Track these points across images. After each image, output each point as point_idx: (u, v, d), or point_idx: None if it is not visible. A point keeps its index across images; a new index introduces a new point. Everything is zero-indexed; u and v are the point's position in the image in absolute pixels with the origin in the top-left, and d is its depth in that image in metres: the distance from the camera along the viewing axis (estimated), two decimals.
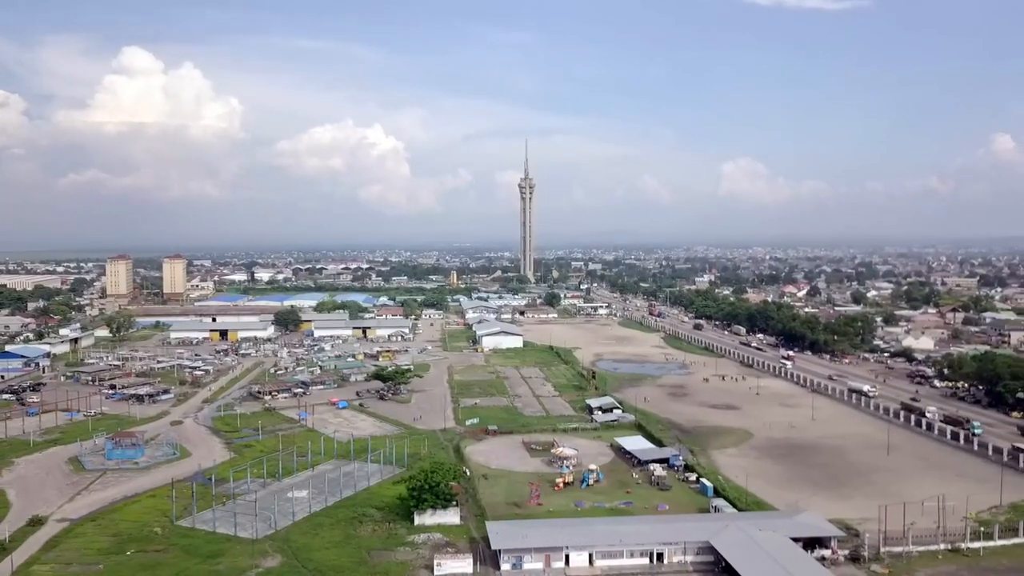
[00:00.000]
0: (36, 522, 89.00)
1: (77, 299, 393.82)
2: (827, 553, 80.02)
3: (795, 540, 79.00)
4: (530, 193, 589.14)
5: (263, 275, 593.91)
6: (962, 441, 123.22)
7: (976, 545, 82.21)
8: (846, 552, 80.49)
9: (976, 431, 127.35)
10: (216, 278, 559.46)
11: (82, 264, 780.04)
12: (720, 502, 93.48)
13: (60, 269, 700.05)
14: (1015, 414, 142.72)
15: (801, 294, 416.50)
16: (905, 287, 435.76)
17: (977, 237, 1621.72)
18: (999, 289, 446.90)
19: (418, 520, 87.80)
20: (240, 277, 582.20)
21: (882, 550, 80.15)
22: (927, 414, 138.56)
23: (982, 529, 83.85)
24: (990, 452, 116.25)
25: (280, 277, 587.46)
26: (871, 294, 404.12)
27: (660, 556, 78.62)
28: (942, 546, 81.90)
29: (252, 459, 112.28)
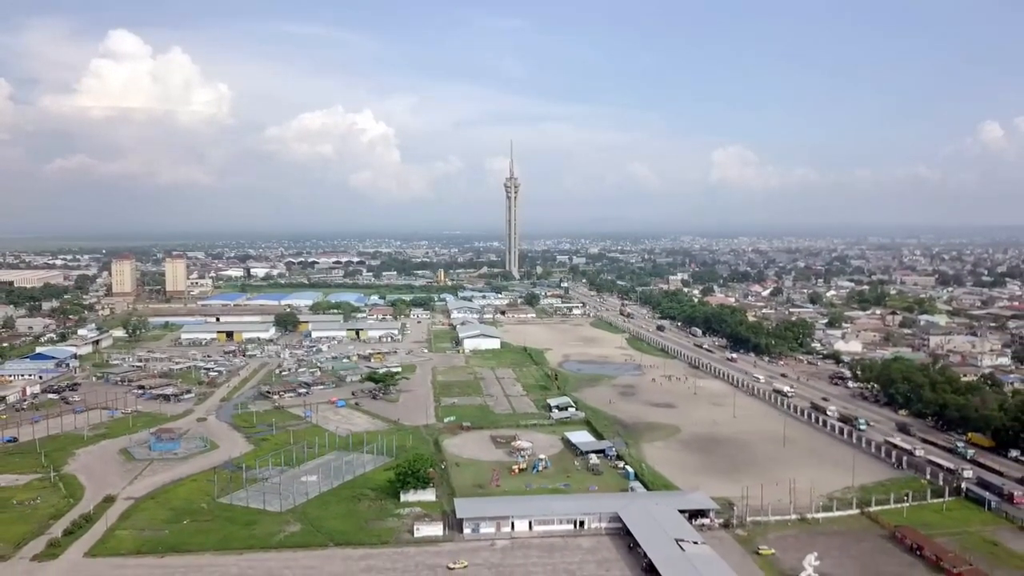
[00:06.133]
0: (109, 500, 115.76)
1: (84, 297, 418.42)
2: (706, 521, 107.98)
3: (683, 512, 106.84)
4: (515, 192, 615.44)
5: (258, 270, 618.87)
6: (845, 435, 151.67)
7: (819, 516, 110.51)
8: (721, 521, 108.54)
9: (861, 428, 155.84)
10: (213, 274, 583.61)
11: (78, 257, 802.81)
12: (636, 484, 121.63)
13: (59, 263, 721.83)
14: (902, 412, 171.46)
15: (765, 293, 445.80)
16: (865, 286, 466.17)
17: (963, 226, 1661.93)
18: (952, 288, 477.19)
19: (403, 498, 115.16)
20: (236, 273, 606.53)
21: (747, 519, 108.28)
22: (828, 413, 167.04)
23: (822, 503, 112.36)
24: (863, 444, 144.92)
25: (275, 273, 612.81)
26: (830, 294, 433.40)
27: (582, 523, 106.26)
28: (793, 516, 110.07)
29: (270, 450, 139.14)
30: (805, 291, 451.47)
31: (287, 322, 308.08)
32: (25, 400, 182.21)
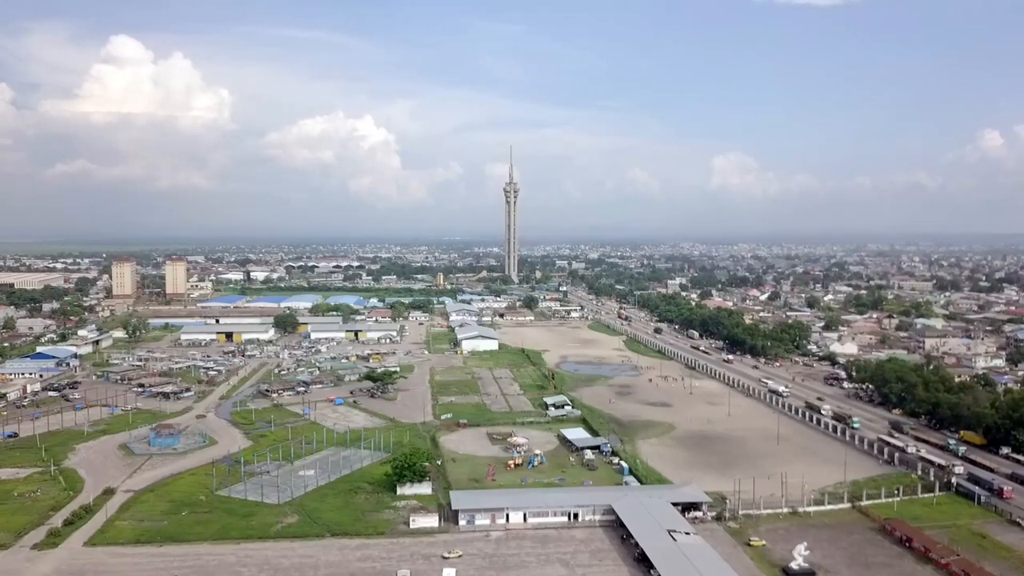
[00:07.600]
0: (108, 492, 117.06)
1: (84, 299, 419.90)
2: (699, 514, 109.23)
3: (676, 505, 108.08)
4: (514, 197, 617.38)
5: (258, 274, 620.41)
6: (839, 433, 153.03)
7: (811, 509, 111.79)
8: (713, 513, 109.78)
9: (855, 425, 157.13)
10: (213, 277, 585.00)
11: (79, 261, 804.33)
12: (630, 478, 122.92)
13: (59, 266, 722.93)
14: (896, 411, 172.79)
15: (763, 297, 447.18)
16: (862, 290, 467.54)
17: (962, 233, 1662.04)
18: (949, 293, 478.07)
19: (400, 491, 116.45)
20: (236, 276, 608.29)
21: (739, 512, 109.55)
22: (822, 412, 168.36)
23: (814, 497, 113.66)
24: (856, 442, 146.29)
25: (275, 276, 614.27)
26: (828, 298, 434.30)
27: (576, 515, 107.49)
28: (785, 509, 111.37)
29: (268, 446, 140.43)
30: (803, 295, 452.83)
31: (286, 323, 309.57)
32: (26, 397, 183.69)
